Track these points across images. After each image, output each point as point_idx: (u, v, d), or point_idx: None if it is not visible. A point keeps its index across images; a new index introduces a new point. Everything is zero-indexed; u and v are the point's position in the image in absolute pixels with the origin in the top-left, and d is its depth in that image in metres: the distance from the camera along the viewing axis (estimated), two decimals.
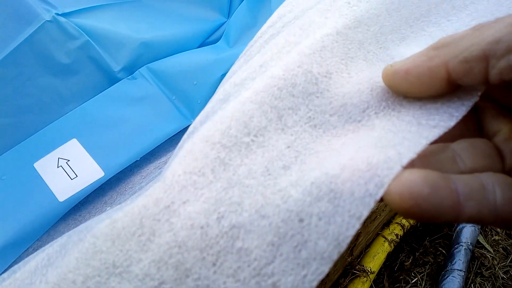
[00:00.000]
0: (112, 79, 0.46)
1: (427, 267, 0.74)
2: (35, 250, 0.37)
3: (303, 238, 0.15)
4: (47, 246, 0.20)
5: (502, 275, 0.73)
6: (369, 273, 0.62)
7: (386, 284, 0.71)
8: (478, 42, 0.15)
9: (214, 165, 0.17)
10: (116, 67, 0.46)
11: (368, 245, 0.66)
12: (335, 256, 0.14)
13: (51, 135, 0.42)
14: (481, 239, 0.77)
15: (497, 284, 0.72)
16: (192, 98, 0.46)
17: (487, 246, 0.76)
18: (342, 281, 0.61)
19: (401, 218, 0.70)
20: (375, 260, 0.64)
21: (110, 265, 0.16)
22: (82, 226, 0.19)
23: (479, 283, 0.71)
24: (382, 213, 0.62)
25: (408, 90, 0.17)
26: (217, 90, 0.22)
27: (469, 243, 0.72)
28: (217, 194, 0.16)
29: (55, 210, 0.38)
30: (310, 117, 0.18)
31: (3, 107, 0.41)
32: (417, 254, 0.75)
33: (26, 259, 0.20)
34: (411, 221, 0.70)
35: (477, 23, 0.16)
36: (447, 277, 0.67)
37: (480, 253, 0.76)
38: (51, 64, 0.43)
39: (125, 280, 0.16)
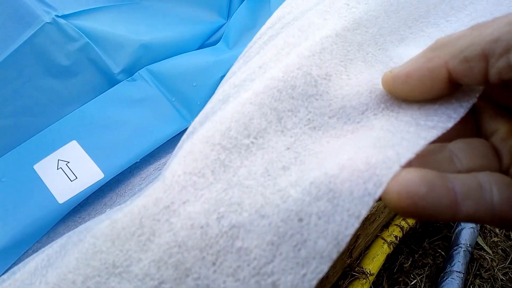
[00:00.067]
0: (111, 81, 0.46)
1: (426, 268, 0.74)
2: (35, 252, 0.36)
3: (303, 237, 0.15)
4: (46, 247, 0.20)
5: (501, 276, 0.73)
6: (368, 275, 0.62)
7: (386, 286, 0.71)
8: (477, 41, 0.15)
9: (214, 167, 0.17)
10: (115, 69, 0.46)
11: (367, 247, 0.66)
12: (334, 255, 0.14)
13: (51, 137, 0.42)
14: (480, 240, 0.77)
15: (496, 285, 0.72)
16: (191, 100, 0.46)
17: (486, 247, 0.76)
18: (342, 283, 0.61)
19: (400, 219, 0.70)
20: (374, 262, 0.64)
21: (110, 265, 0.16)
22: (82, 227, 0.19)
23: (478, 285, 0.71)
24: (381, 215, 0.62)
25: (409, 94, 0.17)
26: (216, 90, 0.22)
27: (468, 245, 0.72)
28: (217, 195, 0.16)
29: (54, 212, 0.38)
30: (309, 119, 0.18)
31: (3, 109, 0.41)
32: (416, 256, 0.75)
33: (25, 260, 0.20)
34: (410, 223, 0.70)
35: (476, 23, 0.16)
36: (446, 278, 0.67)
37: (479, 254, 0.76)
38: (51, 65, 0.43)
39: (125, 280, 0.16)
